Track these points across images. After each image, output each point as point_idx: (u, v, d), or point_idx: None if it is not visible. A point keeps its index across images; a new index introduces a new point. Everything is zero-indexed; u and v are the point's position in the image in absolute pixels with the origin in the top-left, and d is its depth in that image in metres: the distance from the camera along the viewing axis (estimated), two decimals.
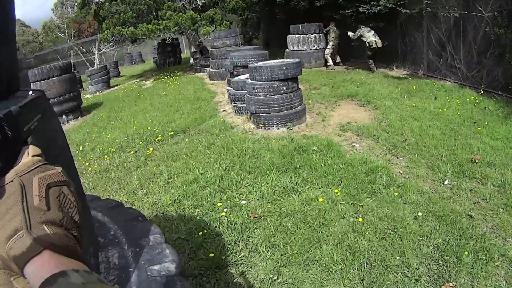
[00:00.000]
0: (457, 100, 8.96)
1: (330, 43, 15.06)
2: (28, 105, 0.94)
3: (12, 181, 0.74)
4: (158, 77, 19.55)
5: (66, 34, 32.79)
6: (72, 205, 0.80)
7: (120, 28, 18.28)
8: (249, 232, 4.43)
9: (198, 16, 17.87)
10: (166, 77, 18.60)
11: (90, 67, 22.26)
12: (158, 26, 17.71)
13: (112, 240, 2.06)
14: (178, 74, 19.35)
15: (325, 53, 15.18)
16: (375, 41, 13.12)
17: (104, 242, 2.06)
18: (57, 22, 48.49)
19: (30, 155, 0.80)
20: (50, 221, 0.72)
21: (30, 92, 1.12)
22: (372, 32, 13.31)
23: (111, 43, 20.94)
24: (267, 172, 5.81)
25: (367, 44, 13.32)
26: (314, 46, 15.78)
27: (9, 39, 1.30)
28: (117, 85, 20.98)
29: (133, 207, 4.48)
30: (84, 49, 28.10)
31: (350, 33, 13.90)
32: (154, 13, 19.32)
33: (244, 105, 8.73)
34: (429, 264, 3.74)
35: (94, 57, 24.65)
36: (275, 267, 3.80)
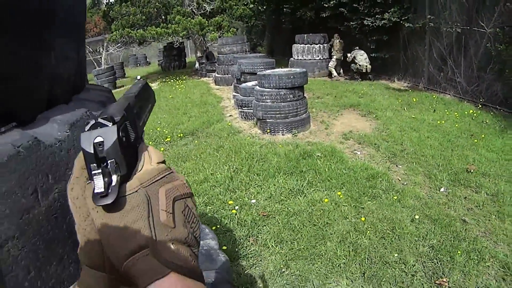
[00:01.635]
0: (456, 113, 9.27)
1: (334, 56, 15.37)
2: (143, 93, 0.84)
3: (136, 191, 0.65)
4: (164, 80, 19.67)
5: None
6: (196, 219, 0.74)
7: (129, 30, 18.41)
8: (259, 229, 4.75)
9: (206, 21, 18.05)
10: (172, 80, 18.75)
11: (97, 67, 22.41)
12: (166, 29, 17.85)
13: None
14: (183, 78, 19.53)
15: (329, 65, 15.47)
16: (366, 66, 13.75)
17: None
18: None
19: (153, 161, 0.72)
20: (176, 239, 0.65)
21: (139, 77, 1.00)
22: (365, 56, 13.97)
23: (119, 44, 21.08)
24: (275, 174, 6.14)
25: (357, 66, 13.95)
26: (318, 56, 16.05)
27: (83, 37, 1.46)
28: (123, 86, 21.05)
29: None
30: (91, 49, 28.09)
31: (348, 55, 14.44)
32: (163, 17, 19.49)
33: (251, 110, 9.04)
34: (424, 261, 4.08)
35: (101, 57, 24.73)
36: (283, 261, 4.12)
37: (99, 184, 0.61)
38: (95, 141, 0.61)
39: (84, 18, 1.47)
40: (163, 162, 0.73)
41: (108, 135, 0.61)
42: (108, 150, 0.61)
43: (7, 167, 0.85)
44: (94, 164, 0.61)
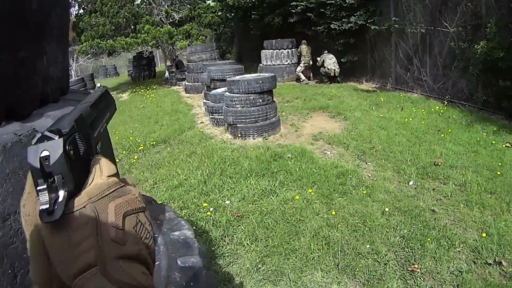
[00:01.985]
0: (423, 111, 9.49)
1: (302, 62, 15.55)
2: (99, 101, 0.81)
3: (84, 207, 0.62)
4: (134, 90, 19.64)
5: None
6: (149, 235, 0.70)
7: (99, 41, 18.37)
8: (234, 229, 4.82)
9: (175, 30, 18.09)
10: (142, 90, 18.75)
11: None
12: (136, 39, 17.85)
13: None
14: (154, 87, 19.53)
15: (297, 70, 15.66)
16: (334, 69, 14.00)
17: None
18: None
19: (104, 175, 0.68)
20: (126, 256, 0.63)
21: (98, 84, 0.99)
22: (334, 60, 14.21)
23: (89, 56, 20.96)
24: (247, 176, 6.22)
25: (325, 70, 14.22)
26: (287, 61, 16.24)
27: (67, 45, 1.57)
28: None
29: None
30: None
31: (318, 59, 14.63)
32: (132, 27, 19.44)
33: (222, 117, 9.12)
34: (396, 251, 4.20)
35: (71, 69, 24.50)
36: (259, 257, 4.20)
37: (44, 200, 0.58)
38: (42, 155, 0.58)
39: (68, 26, 1.58)
40: (115, 175, 0.70)
41: (54, 149, 0.59)
42: (54, 165, 0.59)
43: (11, 151, 0.97)
44: (42, 180, 0.59)
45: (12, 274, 1.01)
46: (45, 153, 0.58)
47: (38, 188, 0.58)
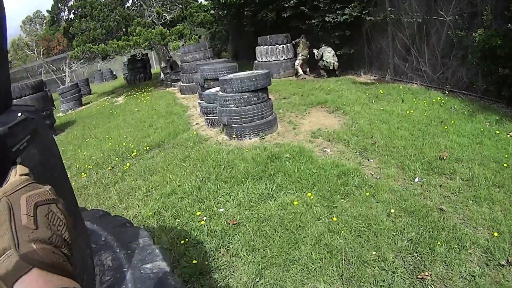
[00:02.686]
0: (424, 102, 9.26)
1: (300, 54, 15.32)
2: (17, 126, 0.95)
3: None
4: (129, 93, 19.54)
5: (35, 52, 32.42)
6: (61, 222, 0.79)
7: (91, 45, 18.26)
8: (229, 238, 4.58)
9: (168, 31, 17.92)
10: (137, 93, 18.63)
11: (61, 85, 22.12)
12: (128, 42, 17.70)
13: (104, 245, 2.20)
14: (149, 89, 19.42)
15: (296, 63, 15.42)
16: (333, 63, 13.76)
17: (96, 247, 2.20)
18: (26, 39, 48.01)
19: (17, 174, 0.81)
20: (38, 239, 0.72)
21: (19, 114, 1.12)
22: (332, 53, 14.04)
23: (82, 60, 20.88)
24: (243, 180, 5.98)
25: (324, 63, 13.93)
26: (282, 57, 16.04)
27: (4, 57, 1.38)
28: (89, 103, 20.90)
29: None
30: (54, 67, 27.73)
31: (315, 52, 14.36)
32: (124, 29, 19.33)
33: (217, 117, 8.88)
34: (404, 256, 3.96)
35: (65, 75, 24.46)
36: (256, 270, 3.96)
37: None
38: None
39: (3, 40, 1.37)
40: (27, 174, 0.82)
41: None
42: None
43: None
44: None
45: None
46: None
47: None
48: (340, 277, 3.75)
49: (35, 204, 0.75)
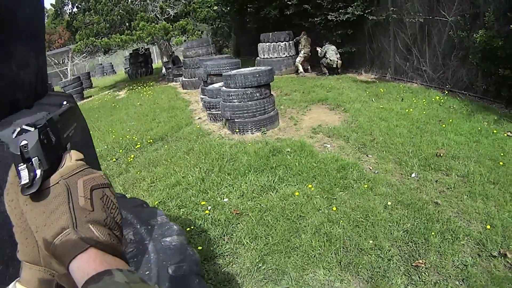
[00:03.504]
0: (423, 101, 9.38)
1: (302, 52, 15.36)
2: (66, 113, 0.97)
3: (58, 182, 0.76)
4: (131, 87, 19.56)
5: None
6: (114, 206, 0.83)
7: (94, 39, 18.25)
8: (233, 227, 4.74)
9: (171, 26, 17.95)
10: (139, 88, 18.67)
11: (63, 79, 22.14)
12: (131, 36, 17.71)
13: (124, 222, 2.37)
14: (151, 84, 19.42)
15: (296, 60, 15.46)
16: (337, 61, 13.85)
17: None
18: None
19: (73, 159, 0.83)
20: (95, 221, 0.76)
21: (65, 102, 1.10)
22: (336, 51, 14.04)
23: (84, 54, 20.87)
24: (245, 173, 6.13)
25: (328, 61, 14.03)
26: (284, 54, 16.06)
27: (43, 46, 1.51)
28: (90, 96, 20.92)
29: None
30: (56, 61, 27.71)
31: (318, 50, 14.43)
32: (127, 24, 19.33)
33: (219, 112, 9.00)
34: (400, 245, 4.13)
35: (67, 69, 24.43)
36: (259, 256, 4.12)
37: (24, 176, 0.72)
38: (21, 144, 0.72)
39: (43, 26, 1.51)
40: (82, 160, 0.84)
41: (31, 138, 0.73)
42: (32, 150, 0.72)
43: None
44: (22, 163, 0.72)
45: (5, 262, 1.15)
46: (23, 142, 0.72)
47: (19, 168, 0.72)
48: (339, 264, 3.92)
49: (91, 187, 0.79)
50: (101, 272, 0.69)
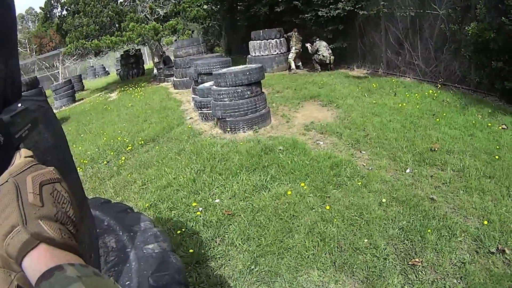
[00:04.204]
0: (416, 95, 9.33)
1: (293, 48, 15.34)
2: (18, 114, 0.99)
3: (7, 181, 0.77)
4: (123, 89, 19.47)
5: (28, 49, 32.35)
6: (66, 200, 0.82)
7: (84, 41, 18.17)
8: (225, 228, 4.66)
9: (161, 26, 17.90)
10: (131, 89, 18.58)
11: (54, 82, 22.06)
12: (121, 37, 17.65)
13: (107, 229, 2.28)
14: (142, 85, 19.35)
15: (289, 57, 15.40)
16: (329, 57, 13.88)
17: (99, 231, 2.28)
18: (19, 37, 47.90)
19: (22, 156, 0.85)
20: (45, 216, 0.75)
21: (19, 104, 1.15)
22: (327, 47, 14.05)
23: (75, 57, 20.81)
24: (237, 172, 6.05)
25: (320, 57, 14.01)
26: (275, 51, 16.03)
27: (14, 48, 1.41)
28: (82, 99, 20.85)
29: None
30: (47, 64, 27.64)
31: (309, 46, 14.43)
32: (117, 25, 19.26)
33: (210, 111, 8.93)
34: (395, 244, 4.06)
35: (58, 72, 24.38)
36: (252, 258, 4.04)
37: None
38: None
39: (13, 29, 1.41)
40: (31, 156, 0.87)
41: None
42: None
43: None
44: None
45: None
46: None
47: None
48: (333, 264, 3.84)
49: (40, 183, 0.79)
50: (52, 267, 0.67)
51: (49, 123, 1.48)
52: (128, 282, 1.86)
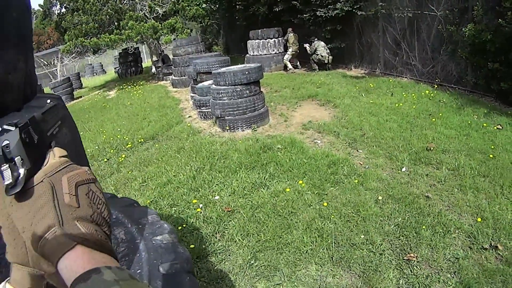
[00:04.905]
0: (413, 95, 9.41)
1: (290, 49, 15.39)
2: (49, 111, 0.97)
3: (42, 181, 0.75)
4: (121, 87, 19.45)
5: None
6: (101, 201, 0.82)
7: (83, 39, 18.10)
8: (225, 224, 4.75)
9: (159, 24, 17.88)
10: (129, 87, 18.60)
11: (53, 80, 22.05)
12: (120, 36, 17.60)
13: (115, 222, 2.37)
14: (141, 83, 19.37)
15: (284, 58, 15.52)
16: (327, 57, 13.99)
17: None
18: None
19: (56, 156, 0.82)
20: (81, 217, 0.75)
21: (49, 100, 1.11)
22: (325, 46, 14.20)
23: (74, 55, 20.78)
24: (236, 170, 6.13)
25: (319, 57, 14.10)
26: (274, 50, 16.09)
27: (31, 49, 1.48)
28: (80, 97, 20.81)
29: None
30: (45, 62, 27.59)
31: (307, 47, 14.49)
32: (116, 23, 19.22)
33: (209, 110, 9.02)
34: (391, 240, 4.15)
35: (56, 69, 24.34)
36: (251, 253, 4.13)
37: (7, 176, 0.70)
38: (2, 144, 0.71)
39: (31, 29, 1.50)
40: (66, 156, 0.84)
41: (12, 137, 0.72)
42: (14, 149, 0.71)
43: None
44: (4, 163, 0.70)
45: None
46: (5, 142, 0.71)
47: (1, 168, 0.70)
48: (331, 259, 3.93)
49: (76, 183, 0.78)
50: (90, 270, 0.67)
51: (67, 119, 1.54)
52: (139, 271, 1.95)
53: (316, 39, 14.39)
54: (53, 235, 0.70)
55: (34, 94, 1.51)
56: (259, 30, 16.14)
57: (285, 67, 15.56)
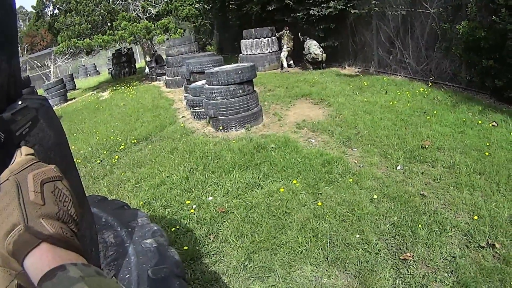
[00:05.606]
0: (407, 93, 9.41)
1: (285, 46, 15.40)
2: (19, 112, 0.99)
3: (7, 179, 0.77)
4: (114, 88, 19.36)
5: (19, 49, 32.15)
6: (67, 198, 0.81)
7: (76, 40, 18.04)
8: (218, 225, 4.69)
9: (153, 25, 17.86)
10: (123, 88, 18.53)
11: (46, 81, 21.98)
12: (113, 36, 17.57)
13: (105, 225, 2.32)
14: (134, 84, 19.31)
15: (281, 56, 15.52)
16: (321, 54, 13.97)
17: (98, 227, 2.32)
18: None
19: (23, 154, 0.84)
20: (46, 215, 0.74)
21: (20, 102, 1.17)
22: (318, 45, 14.19)
23: (67, 56, 20.70)
24: (230, 170, 6.08)
25: (313, 55, 14.07)
26: (267, 50, 16.09)
27: (16, 50, 1.47)
28: (74, 98, 20.72)
29: None
30: (38, 63, 27.50)
31: (300, 37, 14.51)
32: (109, 24, 19.19)
33: (203, 110, 8.98)
34: (387, 239, 4.11)
35: (50, 71, 24.27)
36: (245, 254, 4.07)
37: None
38: None
39: (15, 30, 1.47)
40: (32, 154, 0.86)
41: None
42: None
43: None
44: None
45: None
46: None
47: None
48: (326, 259, 3.88)
49: (42, 181, 0.78)
50: (55, 267, 0.67)
51: (51, 121, 1.54)
52: (128, 275, 1.91)
53: (308, 38, 14.41)
54: (18, 233, 0.70)
55: (19, 95, 1.48)
56: (253, 30, 16.15)
57: (281, 65, 15.52)
